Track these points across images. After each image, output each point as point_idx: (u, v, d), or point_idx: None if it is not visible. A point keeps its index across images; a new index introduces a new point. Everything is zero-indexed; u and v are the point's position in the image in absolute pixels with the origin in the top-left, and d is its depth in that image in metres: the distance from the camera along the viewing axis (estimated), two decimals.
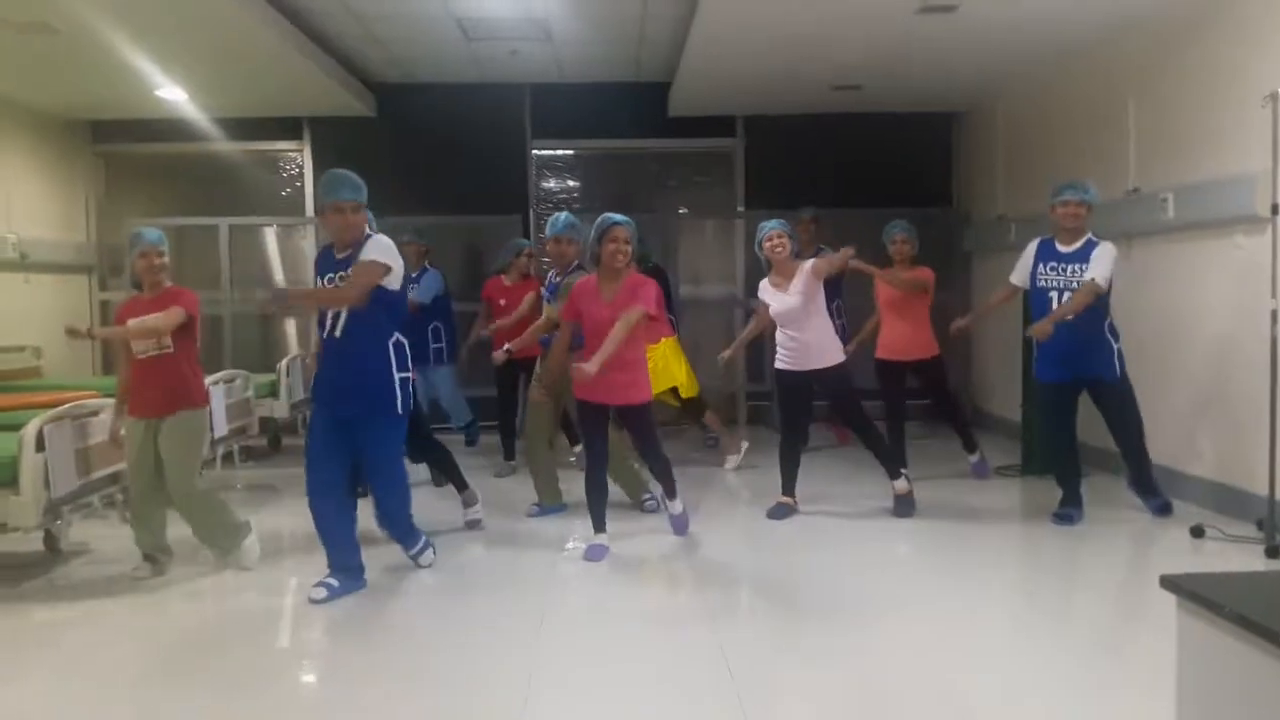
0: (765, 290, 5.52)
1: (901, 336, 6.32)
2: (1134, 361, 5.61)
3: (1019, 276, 5.48)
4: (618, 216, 4.73)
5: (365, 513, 4.79)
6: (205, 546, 4.74)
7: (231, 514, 4.74)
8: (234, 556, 4.71)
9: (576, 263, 5.51)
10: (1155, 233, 5.89)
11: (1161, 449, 5.92)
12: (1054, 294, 5.25)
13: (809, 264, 5.39)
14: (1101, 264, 5.13)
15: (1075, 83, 7.02)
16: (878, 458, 5.63)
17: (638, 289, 4.70)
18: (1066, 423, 5.50)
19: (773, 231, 5.43)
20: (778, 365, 5.53)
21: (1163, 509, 5.39)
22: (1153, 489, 5.45)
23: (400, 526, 4.67)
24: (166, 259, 4.60)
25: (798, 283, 5.36)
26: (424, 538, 4.71)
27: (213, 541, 4.71)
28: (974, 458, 6.51)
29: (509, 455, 7.02)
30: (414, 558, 4.68)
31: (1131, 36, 6.17)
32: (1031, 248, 5.42)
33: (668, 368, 6.49)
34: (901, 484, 5.55)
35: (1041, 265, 5.31)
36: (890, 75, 7.45)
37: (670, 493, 5.14)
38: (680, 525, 5.17)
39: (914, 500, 5.55)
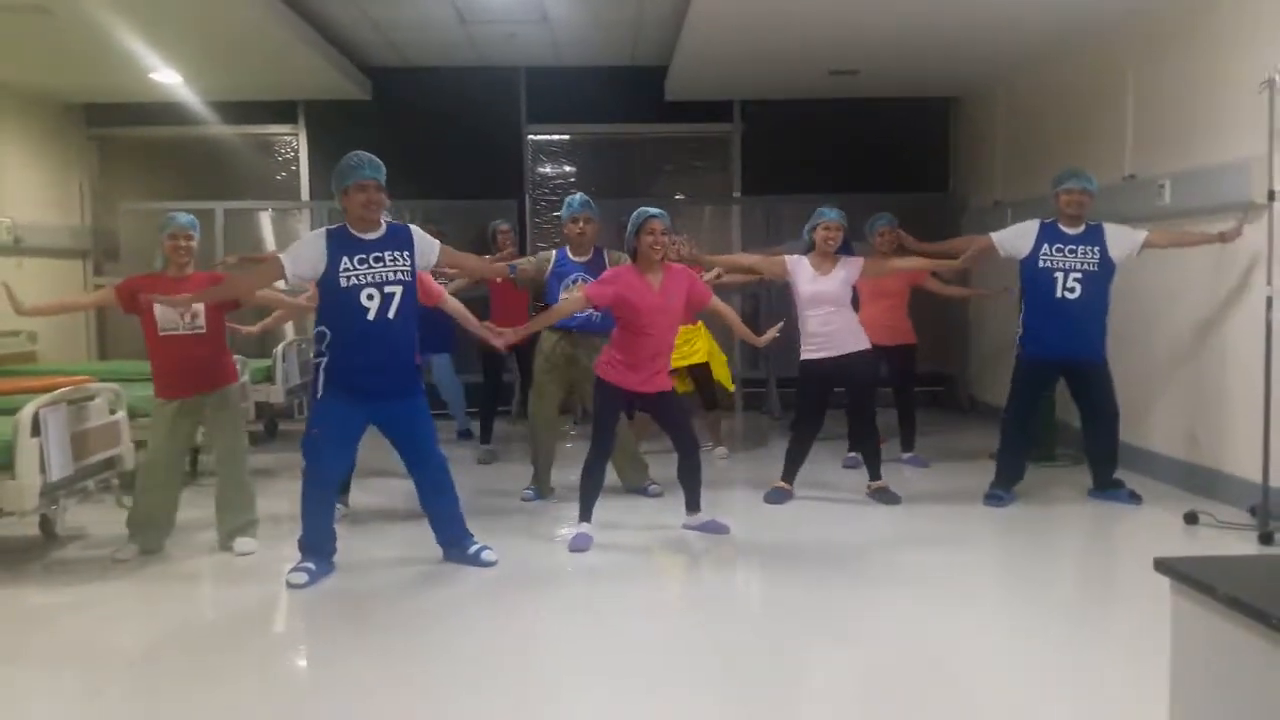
0: (803, 266, 5.46)
1: (883, 322, 6.30)
2: (1128, 347, 5.63)
3: (1007, 244, 5.44)
4: (653, 210, 4.74)
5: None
6: (222, 523, 4.77)
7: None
8: (242, 540, 4.74)
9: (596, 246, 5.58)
10: (1152, 219, 5.87)
11: (1154, 435, 5.95)
12: (1060, 274, 5.26)
13: (860, 259, 5.48)
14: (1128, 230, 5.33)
15: (1073, 68, 7.00)
16: (866, 456, 5.68)
17: (683, 275, 4.81)
18: (1039, 403, 5.56)
19: (831, 222, 5.43)
20: (807, 356, 5.47)
21: (1135, 497, 5.41)
22: (1119, 481, 5.48)
23: (460, 519, 4.54)
24: (194, 243, 4.74)
25: (842, 271, 5.41)
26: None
27: (236, 518, 4.75)
28: (907, 455, 6.57)
29: (486, 439, 7.01)
30: (475, 555, 4.47)
31: (1129, 22, 6.15)
32: (1032, 227, 5.40)
33: (701, 346, 6.56)
34: (880, 482, 5.60)
35: (1047, 246, 5.31)
36: (888, 60, 7.43)
37: (695, 504, 4.98)
38: (716, 527, 4.95)
39: (893, 491, 5.56)
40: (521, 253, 7.32)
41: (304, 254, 4.23)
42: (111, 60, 7.05)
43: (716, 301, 4.96)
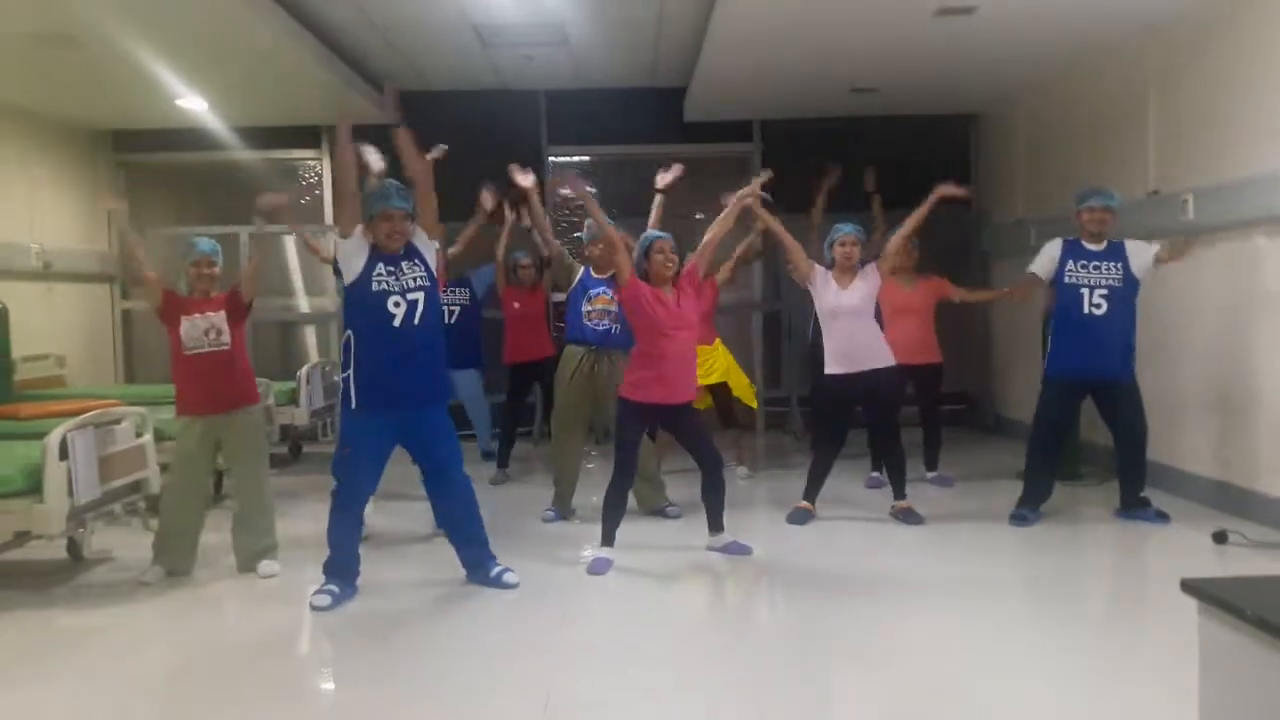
0: (827, 280, 5.44)
1: (907, 340, 6.24)
2: (1156, 364, 5.58)
3: (1043, 270, 5.45)
4: (658, 233, 4.86)
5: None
6: (240, 547, 4.79)
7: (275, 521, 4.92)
8: (266, 563, 4.76)
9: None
10: (1175, 234, 5.84)
11: (1183, 453, 5.89)
12: (1085, 290, 5.25)
13: (872, 266, 5.44)
14: (1145, 245, 5.30)
15: (1095, 84, 6.98)
16: (890, 475, 5.65)
17: (685, 278, 4.81)
18: (1066, 422, 5.53)
19: (847, 237, 5.44)
20: (831, 371, 5.43)
21: (1163, 516, 5.34)
22: (1146, 500, 5.42)
23: (484, 542, 4.57)
24: (218, 269, 4.81)
25: (862, 284, 5.39)
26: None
27: (257, 542, 4.78)
28: (931, 474, 6.51)
29: (504, 463, 6.99)
30: (497, 578, 4.48)
31: (1151, 37, 6.13)
32: (1055, 246, 5.40)
33: (719, 365, 6.54)
34: (904, 502, 5.56)
35: (1071, 263, 5.30)
36: (908, 78, 7.44)
37: (718, 524, 4.99)
38: (739, 548, 4.95)
39: (917, 511, 5.52)
40: (539, 279, 7.41)
41: (350, 250, 4.32)
42: (138, 87, 7.14)
43: (703, 245, 4.89)
